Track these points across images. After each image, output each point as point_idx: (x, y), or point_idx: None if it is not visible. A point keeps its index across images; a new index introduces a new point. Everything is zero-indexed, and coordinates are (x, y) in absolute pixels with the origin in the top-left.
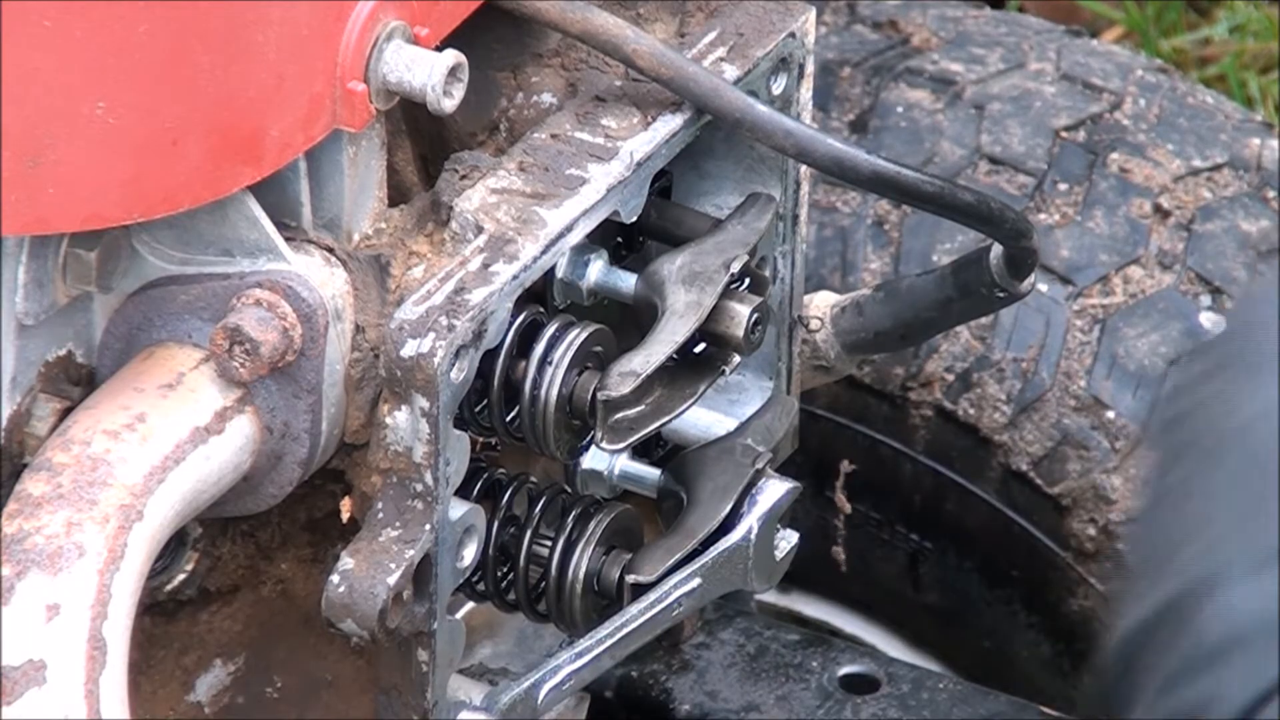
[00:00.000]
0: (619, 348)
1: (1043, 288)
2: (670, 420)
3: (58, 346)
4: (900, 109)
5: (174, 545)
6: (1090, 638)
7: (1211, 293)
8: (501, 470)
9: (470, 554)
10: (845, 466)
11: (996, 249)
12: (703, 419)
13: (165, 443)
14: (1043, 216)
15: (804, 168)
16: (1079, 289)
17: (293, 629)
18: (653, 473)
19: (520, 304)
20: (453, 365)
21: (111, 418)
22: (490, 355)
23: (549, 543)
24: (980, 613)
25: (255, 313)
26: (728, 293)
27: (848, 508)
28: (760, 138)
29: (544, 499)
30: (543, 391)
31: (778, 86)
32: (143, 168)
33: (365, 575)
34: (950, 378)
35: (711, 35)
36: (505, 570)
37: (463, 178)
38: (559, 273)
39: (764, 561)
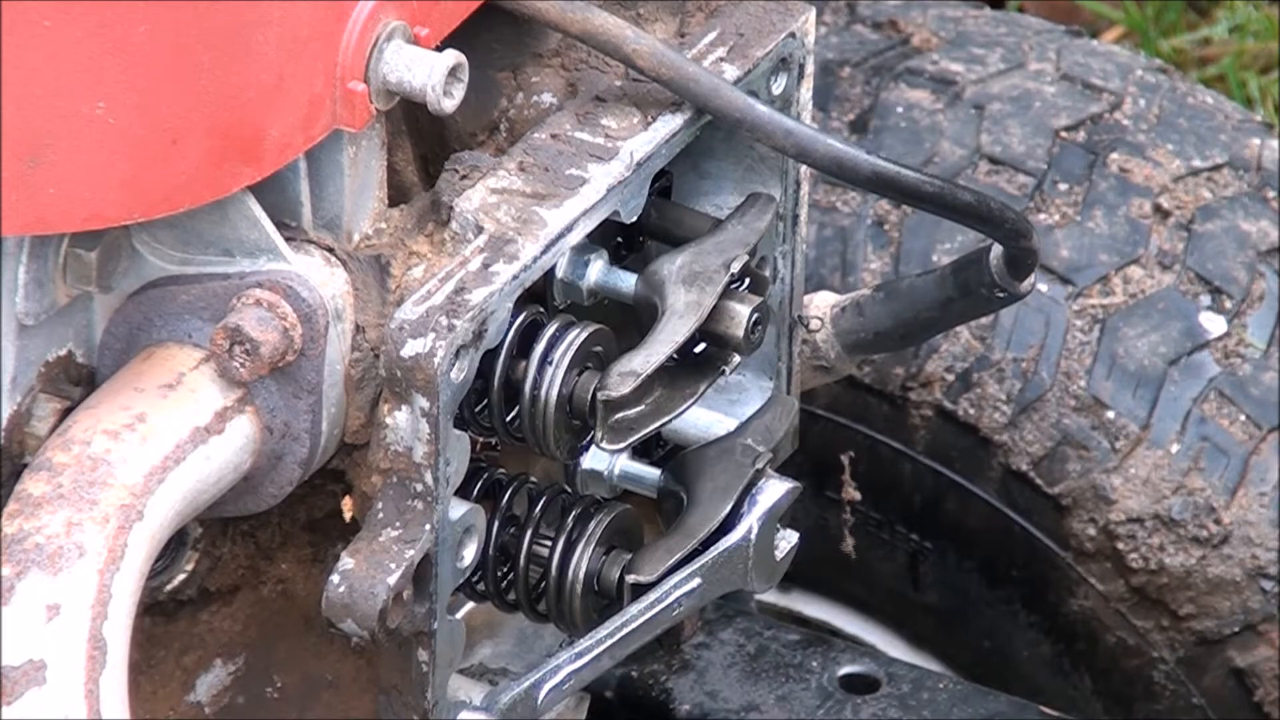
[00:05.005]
0: (619, 348)
1: (1043, 288)
2: (670, 420)
3: (58, 346)
4: (900, 109)
5: (174, 545)
6: (1090, 637)
7: (1211, 293)
8: (501, 470)
9: (470, 554)
10: (846, 460)
11: (996, 249)
12: (703, 419)
13: (165, 443)
14: (1043, 216)
15: (804, 168)
16: (1079, 289)
17: (293, 629)
18: (653, 473)
19: (520, 304)
20: (453, 365)
21: (112, 418)
22: (490, 355)
23: (549, 543)
24: (980, 613)
25: (255, 313)
26: (728, 293)
27: (857, 495)
28: (760, 138)
29: (544, 499)
30: (543, 391)
31: (778, 86)
32: (143, 168)
33: (365, 575)
34: (950, 378)
35: (711, 35)
36: (505, 570)
37: (463, 178)
38: (559, 273)
39: (764, 561)
